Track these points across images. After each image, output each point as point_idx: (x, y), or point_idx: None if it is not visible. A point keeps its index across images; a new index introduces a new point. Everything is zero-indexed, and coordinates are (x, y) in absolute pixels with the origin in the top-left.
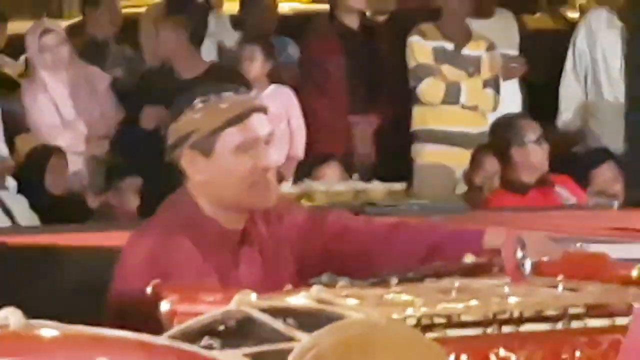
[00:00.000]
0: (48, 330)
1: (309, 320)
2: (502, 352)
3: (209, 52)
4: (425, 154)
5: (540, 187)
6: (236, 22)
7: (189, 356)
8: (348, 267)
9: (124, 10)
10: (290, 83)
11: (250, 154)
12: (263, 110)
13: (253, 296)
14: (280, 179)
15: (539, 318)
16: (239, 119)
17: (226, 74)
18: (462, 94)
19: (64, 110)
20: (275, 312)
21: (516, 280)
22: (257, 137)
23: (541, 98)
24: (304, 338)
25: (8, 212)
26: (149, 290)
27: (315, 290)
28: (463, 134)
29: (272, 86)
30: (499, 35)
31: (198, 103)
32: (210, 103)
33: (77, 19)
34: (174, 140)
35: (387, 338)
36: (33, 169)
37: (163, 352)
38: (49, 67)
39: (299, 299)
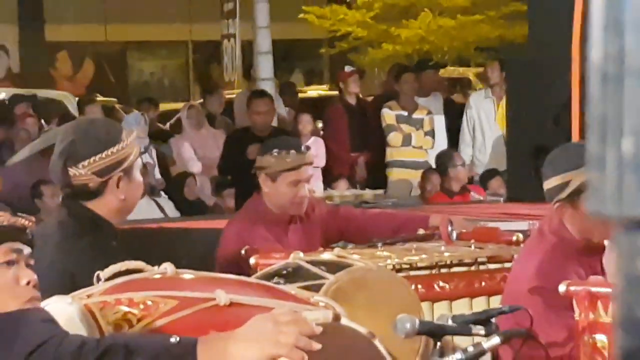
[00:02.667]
0: (188, 274)
1: (333, 267)
2: (441, 283)
3: None
4: (394, 173)
5: (462, 192)
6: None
7: (268, 288)
8: (352, 237)
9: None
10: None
11: (297, 188)
12: (310, 163)
13: (301, 254)
14: (312, 192)
15: (461, 264)
16: (296, 168)
17: (285, 133)
18: (412, 140)
19: (198, 151)
20: (313, 263)
21: (448, 244)
22: (302, 179)
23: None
24: (330, 277)
25: (162, 210)
26: (242, 252)
27: (336, 250)
28: (414, 162)
29: (313, 137)
30: (433, 106)
31: (275, 151)
32: (283, 154)
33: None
34: (256, 165)
35: (377, 276)
36: (177, 185)
37: (254, 285)
38: (193, 126)
39: (326, 255)
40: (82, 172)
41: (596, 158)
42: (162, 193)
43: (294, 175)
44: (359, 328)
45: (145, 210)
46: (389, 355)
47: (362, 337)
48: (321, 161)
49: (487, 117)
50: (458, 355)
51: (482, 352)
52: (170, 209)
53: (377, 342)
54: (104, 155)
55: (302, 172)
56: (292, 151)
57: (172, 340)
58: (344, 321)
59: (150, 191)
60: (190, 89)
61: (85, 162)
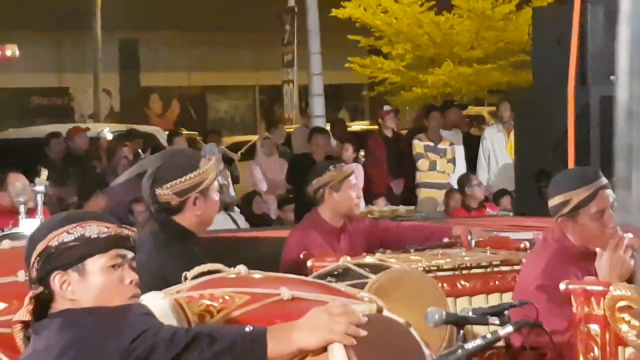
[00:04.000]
0: (257, 274)
1: (375, 268)
2: (462, 282)
3: None
4: (422, 193)
5: (479, 208)
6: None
7: (323, 285)
8: (390, 245)
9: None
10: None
11: (355, 191)
12: (352, 174)
13: (348, 258)
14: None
15: (479, 266)
16: (350, 174)
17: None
18: (437, 166)
19: (266, 174)
20: (358, 265)
21: (468, 250)
22: (355, 185)
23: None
24: (372, 277)
25: (235, 222)
26: (301, 256)
27: (377, 255)
28: (439, 183)
29: (354, 163)
30: (454, 138)
31: (331, 167)
32: (338, 167)
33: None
34: (316, 185)
35: (411, 276)
36: (248, 202)
37: (312, 283)
38: (265, 154)
39: (369, 259)
40: (166, 192)
41: (623, 179)
42: (235, 208)
43: (351, 180)
44: (397, 318)
45: (222, 223)
46: (422, 340)
47: (400, 326)
48: (360, 183)
49: (499, 147)
50: (478, 341)
51: (498, 339)
52: (242, 222)
53: (412, 330)
54: (183, 179)
55: (352, 180)
56: (341, 164)
57: (247, 329)
58: (385, 313)
59: (225, 207)
60: (257, 125)
61: (168, 185)
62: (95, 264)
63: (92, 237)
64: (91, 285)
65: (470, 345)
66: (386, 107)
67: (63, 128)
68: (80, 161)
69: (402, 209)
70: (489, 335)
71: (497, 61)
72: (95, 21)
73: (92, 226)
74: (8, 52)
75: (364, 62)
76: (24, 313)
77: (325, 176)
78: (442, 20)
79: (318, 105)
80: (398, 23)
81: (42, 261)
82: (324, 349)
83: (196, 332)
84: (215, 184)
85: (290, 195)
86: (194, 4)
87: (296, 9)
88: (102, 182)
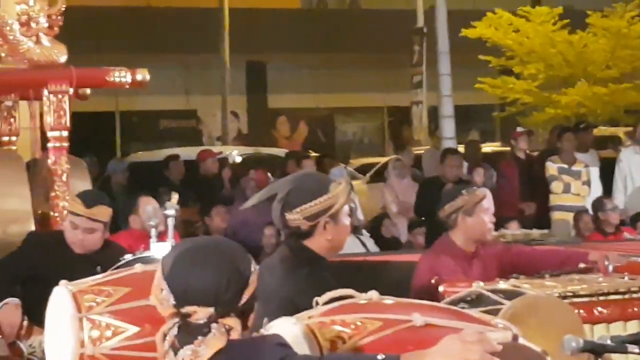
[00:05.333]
0: (389, 300)
1: (509, 294)
2: (600, 309)
3: None
4: (557, 216)
5: (615, 232)
6: None
7: (456, 312)
8: (523, 270)
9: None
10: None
11: (488, 216)
12: (485, 197)
13: (481, 284)
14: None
15: (616, 292)
16: (482, 200)
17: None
18: (572, 188)
19: (398, 196)
20: (492, 291)
21: (605, 275)
22: (488, 209)
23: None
24: (507, 303)
25: (364, 245)
26: (432, 281)
27: (511, 280)
28: (573, 206)
29: (483, 187)
30: (589, 160)
31: (464, 191)
32: (471, 191)
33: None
34: (449, 210)
35: (546, 302)
36: (377, 225)
37: (444, 310)
38: (397, 176)
39: (503, 285)
40: (296, 217)
41: None
42: (364, 231)
43: (484, 204)
44: (533, 347)
45: (351, 246)
46: None
47: (537, 355)
48: (490, 208)
49: (636, 169)
50: None
51: None
52: (371, 245)
53: (549, 359)
54: (313, 203)
55: (486, 202)
56: (474, 188)
57: (379, 357)
58: (521, 340)
59: (354, 229)
60: (384, 147)
61: (298, 209)
62: None
63: None
64: None
65: None
66: (519, 129)
67: (192, 151)
68: (201, 183)
69: (535, 232)
70: None
71: (633, 80)
72: (223, 44)
73: None
74: (139, 77)
75: (495, 83)
76: (223, 339)
77: (458, 200)
78: (576, 39)
79: (448, 127)
80: (530, 42)
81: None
82: None
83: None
84: (346, 207)
85: (422, 219)
86: (321, 25)
87: (425, 30)
88: (226, 203)
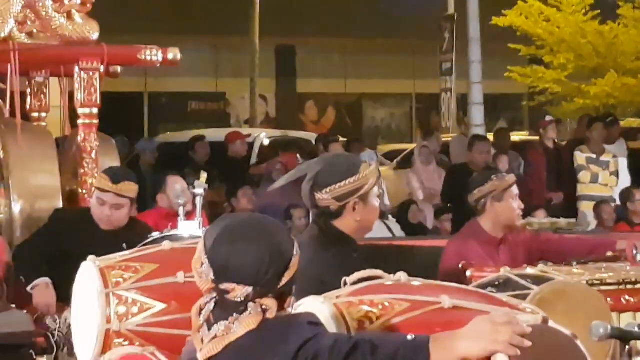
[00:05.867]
0: (416, 281)
1: (537, 280)
2: (627, 297)
3: None
4: (584, 206)
5: None
6: None
7: (484, 295)
8: (551, 258)
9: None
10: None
11: (517, 202)
12: (514, 183)
13: (509, 269)
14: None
15: None
16: (514, 184)
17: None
18: (599, 178)
19: (424, 182)
20: (520, 276)
21: (633, 264)
22: (517, 195)
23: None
24: (535, 288)
25: (391, 231)
26: (460, 265)
27: (539, 266)
28: (601, 197)
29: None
30: (618, 151)
31: (494, 177)
32: (500, 177)
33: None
34: (478, 195)
35: (575, 288)
36: (404, 211)
37: (472, 293)
38: (422, 162)
39: (531, 270)
40: (325, 197)
41: None
42: (390, 217)
43: (513, 190)
44: (563, 330)
45: (377, 231)
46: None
47: (567, 338)
48: None
49: None
50: None
51: None
52: (398, 230)
53: (579, 342)
54: (342, 184)
55: (515, 189)
56: (504, 174)
57: (409, 337)
58: (551, 324)
59: (381, 215)
60: (413, 133)
61: (328, 189)
62: None
63: None
64: None
65: None
66: (548, 118)
67: (220, 132)
68: (228, 164)
69: (562, 221)
70: None
71: None
72: (253, 27)
73: None
74: (170, 56)
75: (525, 72)
76: (257, 318)
77: (487, 186)
78: (607, 29)
79: (477, 115)
80: (560, 32)
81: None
82: (487, 359)
83: (358, 339)
84: (375, 189)
85: (448, 205)
86: (351, 10)
87: (456, 17)
88: (253, 184)
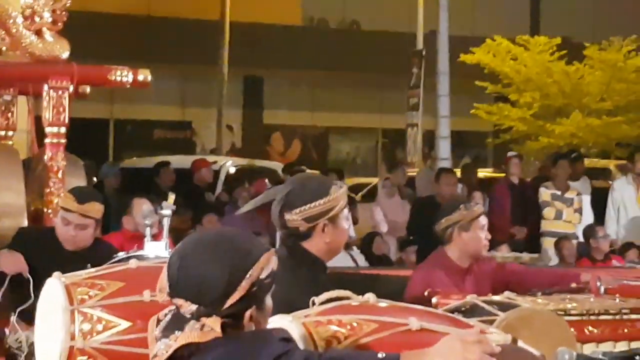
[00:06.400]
0: (384, 303)
1: (503, 306)
2: (590, 328)
3: None
4: (546, 242)
5: (605, 259)
6: None
7: (452, 318)
8: (515, 288)
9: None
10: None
11: (484, 232)
12: (482, 214)
13: (474, 296)
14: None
15: (607, 313)
16: (479, 216)
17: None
18: (563, 215)
19: (388, 215)
20: (487, 302)
21: (596, 296)
22: (484, 226)
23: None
24: (501, 314)
25: (355, 261)
26: (426, 293)
27: (505, 293)
28: (563, 233)
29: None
30: (582, 188)
31: (462, 206)
32: (468, 207)
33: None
34: (445, 224)
35: (541, 315)
36: (369, 242)
37: (440, 315)
38: (386, 195)
39: (497, 297)
40: (295, 218)
41: None
42: (355, 248)
43: (482, 220)
44: (532, 350)
45: (341, 260)
46: None
47: (536, 358)
48: None
49: (629, 200)
50: None
51: None
52: (362, 261)
53: None
54: (312, 205)
55: (483, 219)
56: (472, 203)
57: (379, 355)
58: (520, 344)
59: (345, 245)
60: (377, 167)
61: (298, 210)
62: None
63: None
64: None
65: None
66: (511, 153)
67: (185, 160)
68: (192, 190)
69: (525, 256)
70: None
71: (627, 114)
72: (222, 56)
73: None
74: (140, 77)
75: (491, 109)
76: (193, 336)
77: (455, 215)
78: (573, 70)
79: (444, 148)
80: (527, 71)
81: (248, 294)
82: None
83: (330, 356)
84: (345, 212)
85: (411, 237)
86: (320, 43)
87: (424, 53)
88: (218, 211)
